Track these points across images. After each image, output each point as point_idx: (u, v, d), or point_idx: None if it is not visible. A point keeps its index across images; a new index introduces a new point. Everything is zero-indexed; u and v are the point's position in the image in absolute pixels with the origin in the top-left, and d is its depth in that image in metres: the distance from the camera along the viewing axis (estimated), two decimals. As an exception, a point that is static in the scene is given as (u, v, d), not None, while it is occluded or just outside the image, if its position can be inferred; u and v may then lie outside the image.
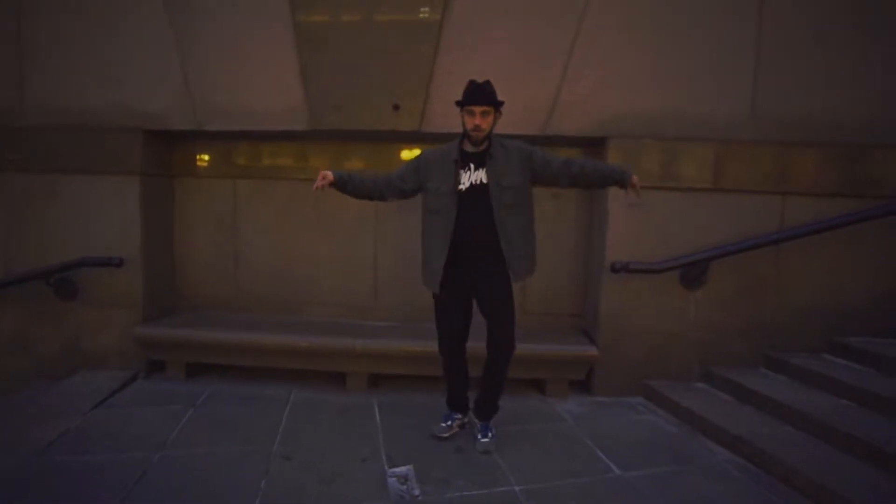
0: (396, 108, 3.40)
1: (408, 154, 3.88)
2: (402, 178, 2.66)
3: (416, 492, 2.28)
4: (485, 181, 2.50)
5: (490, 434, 2.72)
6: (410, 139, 3.75)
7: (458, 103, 2.53)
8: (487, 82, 2.50)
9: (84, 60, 3.55)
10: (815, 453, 2.52)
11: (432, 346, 3.36)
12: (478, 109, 2.46)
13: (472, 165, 2.53)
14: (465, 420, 2.90)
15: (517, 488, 2.32)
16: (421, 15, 3.38)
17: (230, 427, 2.89)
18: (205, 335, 3.51)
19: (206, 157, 3.94)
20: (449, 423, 2.84)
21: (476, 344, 2.77)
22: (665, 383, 3.43)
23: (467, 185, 2.52)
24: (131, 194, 3.56)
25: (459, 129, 3.45)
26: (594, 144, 3.58)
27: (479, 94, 2.47)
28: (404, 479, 2.39)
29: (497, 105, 2.51)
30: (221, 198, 3.95)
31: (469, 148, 2.56)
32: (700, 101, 3.44)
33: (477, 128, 2.47)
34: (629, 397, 3.47)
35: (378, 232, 3.95)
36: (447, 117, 3.43)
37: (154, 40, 3.51)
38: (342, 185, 2.61)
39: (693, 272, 3.39)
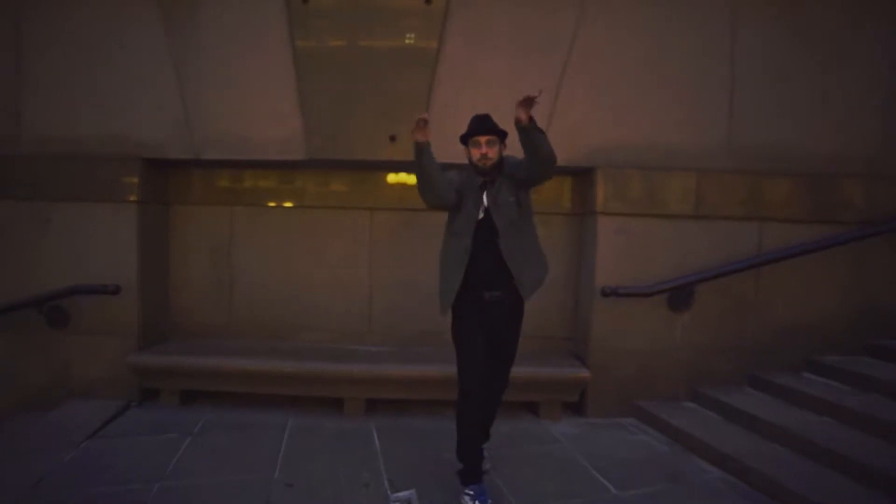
0: (393, 139, 3.52)
1: (399, 179, 3.99)
2: (450, 184, 2.55)
3: (420, 516, 2.33)
4: (483, 217, 2.52)
5: (484, 454, 2.67)
6: (406, 168, 3.87)
7: (463, 138, 2.57)
8: (488, 115, 2.57)
9: (82, 91, 3.60)
10: (798, 468, 2.64)
11: (427, 369, 3.47)
12: (483, 139, 2.50)
13: (485, 198, 2.54)
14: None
15: (518, 510, 2.38)
16: (416, 48, 3.53)
17: (229, 455, 2.89)
18: (201, 362, 3.51)
19: (203, 185, 3.99)
20: (488, 500, 2.42)
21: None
22: (655, 403, 3.54)
23: (482, 214, 2.52)
24: (128, 222, 3.59)
25: (454, 160, 3.62)
26: (583, 173, 3.74)
27: (483, 125, 2.53)
28: (407, 502, 2.42)
29: (500, 134, 2.54)
30: (217, 225, 3.99)
31: (479, 179, 2.56)
32: (680, 133, 3.64)
33: (484, 156, 2.49)
34: (621, 418, 3.56)
35: (372, 258, 4.02)
36: (442, 149, 3.55)
37: (152, 71, 3.58)
38: (427, 149, 2.42)
39: (680, 295, 3.53)
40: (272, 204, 4.04)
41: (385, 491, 2.54)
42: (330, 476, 2.68)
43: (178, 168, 3.92)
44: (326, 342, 3.96)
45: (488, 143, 2.50)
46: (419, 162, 2.40)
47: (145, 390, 3.65)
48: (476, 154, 2.51)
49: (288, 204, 4.04)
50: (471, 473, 2.45)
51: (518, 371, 3.38)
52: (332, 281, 4.01)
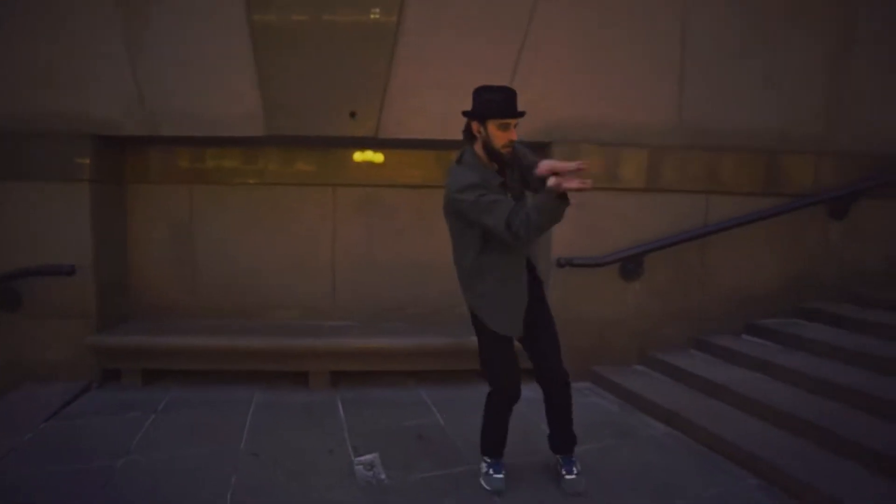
0: (353, 115, 3.53)
1: (362, 157, 4.01)
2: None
3: (383, 476, 2.44)
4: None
5: (576, 468, 2.39)
6: (366, 145, 3.89)
7: (479, 116, 2.11)
8: (515, 92, 2.14)
9: (27, 66, 3.45)
10: (733, 421, 2.87)
11: (390, 342, 3.56)
12: (513, 122, 2.10)
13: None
14: None
15: (475, 467, 2.50)
16: (375, 22, 3.51)
17: (194, 430, 2.93)
18: (163, 340, 3.50)
19: (162, 164, 3.92)
20: (502, 472, 2.39)
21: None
22: (609, 368, 3.74)
23: None
24: (81, 201, 3.49)
25: (415, 136, 3.66)
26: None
27: (513, 104, 2.11)
28: (370, 465, 2.53)
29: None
30: (177, 204, 3.93)
31: (492, 167, 2.18)
32: (634, 111, 3.77)
33: (511, 143, 2.11)
34: (577, 382, 3.66)
35: (336, 235, 4.05)
36: (402, 125, 3.62)
37: (104, 44, 3.45)
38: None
39: (630, 265, 3.71)
40: (234, 182, 4.01)
41: (349, 456, 2.64)
42: (295, 445, 2.75)
43: (135, 146, 3.83)
44: (291, 319, 4.00)
45: (515, 126, 2.11)
46: (558, 212, 1.94)
47: (106, 372, 3.61)
48: (502, 139, 2.09)
49: (250, 181, 4.02)
50: (495, 445, 2.41)
51: (474, 340, 3.52)
52: (296, 258, 4.03)
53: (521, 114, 2.12)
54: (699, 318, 3.89)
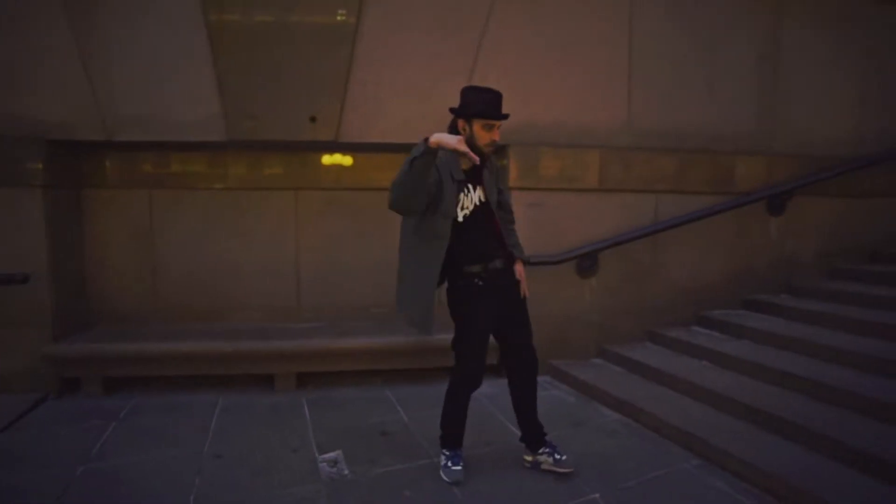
0: (313, 119, 3.58)
1: (325, 160, 4.06)
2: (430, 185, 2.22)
3: (346, 471, 2.51)
4: (483, 200, 2.37)
5: (558, 450, 2.52)
6: (328, 149, 3.94)
7: (465, 114, 2.24)
8: (501, 95, 2.29)
9: (-26, 68, 3.38)
10: (680, 406, 3.05)
11: (355, 342, 3.62)
12: (497, 123, 2.25)
13: (469, 186, 2.34)
14: None
15: (436, 460, 2.60)
16: (334, 25, 3.57)
17: (157, 435, 2.93)
18: (124, 347, 3.47)
19: (119, 169, 3.87)
20: (461, 464, 2.48)
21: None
22: (567, 362, 3.89)
23: (471, 208, 2.35)
24: (35, 207, 3.42)
25: (377, 140, 3.73)
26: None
27: (499, 107, 2.26)
28: (334, 462, 2.60)
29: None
30: (136, 209, 3.89)
31: (465, 165, 2.30)
32: (586, 114, 3.94)
33: (493, 143, 2.27)
34: (538, 377, 3.87)
35: (299, 237, 4.08)
36: (363, 129, 3.69)
37: (52, 45, 3.39)
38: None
39: (586, 262, 3.88)
40: (195, 186, 3.99)
41: (313, 454, 2.69)
42: (260, 445, 2.79)
43: (91, 151, 3.77)
44: (257, 322, 4.01)
45: (498, 128, 2.28)
46: (424, 163, 2.07)
47: (64, 382, 3.54)
48: (486, 138, 2.24)
49: (211, 186, 4.00)
50: (453, 437, 2.51)
51: (439, 339, 3.62)
52: (260, 261, 4.04)
53: (506, 116, 2.27)
54: (652, 311, 4.09)
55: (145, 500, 2.29)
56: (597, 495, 2.32)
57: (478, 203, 2.36)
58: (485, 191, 2.38)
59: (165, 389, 3.58)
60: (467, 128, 2.25)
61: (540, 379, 3.77)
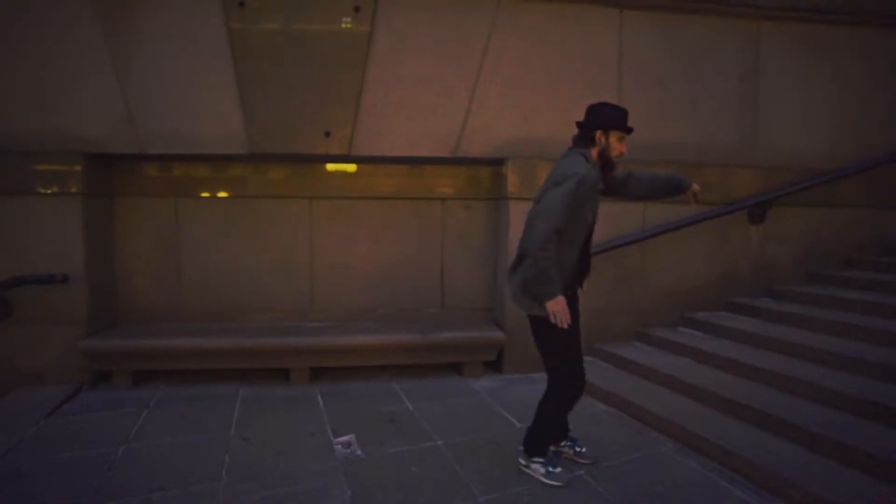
0: (328, 135, 3.91)
1: (336, 171, 4.38)
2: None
3: (359, 452, 2.81)
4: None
5: (580, 445, 2.75)
6: (340, 161, 4.27)
7: (606, 126, 2.44)
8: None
9: (20, 87, 3.71)
10: (661, 399, 3.34)
11: (364, 339, 3.93)
12: (626, 136, 2.48)
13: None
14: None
15: (440, 443, 2.91)
16: (347, 49, 3.90)
17: (186, 421, 3.23)
18: (152, 343, 3.78)
19: (149, 178, 4.20)
20: (559, 466, 2.60)
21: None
22: (561, 359, 4.18)
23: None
24: (73, 213, 3.76)
25: (385, 153, 4.07)
26: (496, 164, 4.29)
27: (627, 121, 2.47)
28: (348, 444, 2.90)
29: None
30: (163, 216, 4.22)
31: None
32: (572, 130, 4.23)
33: (621, 155, 2.50)
34: (533, 373, 4.14)
35: (312, 243, 4.40)
36: (373, 143, 4.02)
37: (92, 68, 3.74)
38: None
39: (578, 267, 4.18)
40: (217, 195, 4.31)
41: (329, 438, 3.00)
42: (280, 430, 3.10)
43: (124, 162, 4.10)
44: (275, 321, 4.32)
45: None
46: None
47: (96, 375, 3.86)
48: (618, 149, 2.48)
49: (232, 194, 4.33)
50: (546, 445, 2.62)
51: (446, 336, 3.95)
52: (276, 265, 4.35)
53: (632, 130, 2.51)
54: (641, 313, 4.39)
55: (183, 473, 2.60)
56: (581, 472, 2.62)
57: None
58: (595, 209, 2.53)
59: (189, 382, 3.89)
60: (604, 139, 2.44)
61: (535, 376, 4.13)
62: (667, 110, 4.37)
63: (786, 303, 4.23)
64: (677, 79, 4.37)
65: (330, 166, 4.38)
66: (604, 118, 2.46)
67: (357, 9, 3.87)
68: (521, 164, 4.12)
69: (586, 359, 4.26)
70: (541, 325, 2.47)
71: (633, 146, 4.36)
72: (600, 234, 4.18)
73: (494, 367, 4.24)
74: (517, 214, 4.14)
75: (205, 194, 4.28)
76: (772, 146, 4.58)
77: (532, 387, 3.90)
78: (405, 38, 3.97)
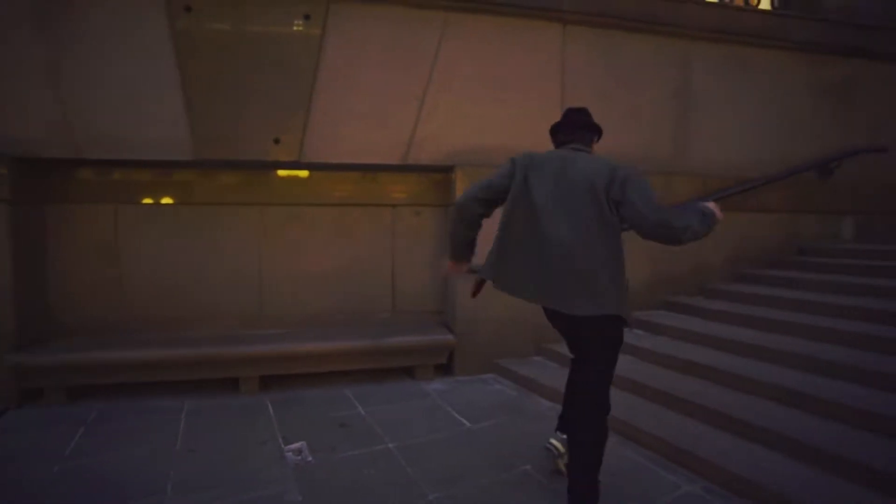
0: (277, 141, 3.89)
1: (287, 178, 4.36)
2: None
3: (310, 458, 2.81)
4: None
5: None
6: (291, 168, 4.25)
7: (600, 132, 2.63)
8: (580, 110, 2.65)
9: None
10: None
11: (316, 346, 3.91)
12: None
13: None
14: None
15: (391, 445, 2.95)
16: (298, 53, 3.90)
17: (129, 436, 3.11)
18: (87, 356, 3.61)
19: (86, 184, 4.02)
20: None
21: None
22: (510, 360, 4.32)
23: None
24: None
25: (336, 160, 4.08)
26: (445, 171, 4.39)
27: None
28: (299, 451, 2.89)
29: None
30: (102, 224, 4.05)
31: None
32: (526, 138, 4.38)
33: None
34: (483, 374, 4.30)
35: (262, 250, 4.34)
36: (323, 151, 4.03)
37: (24, 65, 3.55)
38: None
39: (525, 270, 4.33)
40: (161, 201, 4.19)
41: (279, 446, 2.97)
42: (230, 440, 3.04)
43: (59, 167, 3.91)
44: (221, 330, 4.22)
45: None
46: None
47: (25, 391, 3.63)
48: None
49: (177, 201, 4.20)
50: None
51: (395, 341, 3.98)
52: (225, 273, 4.26)
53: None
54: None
55: (124, 490, 2.51)
56: (528, 467, 2.73)
57: None
58: None
59: (131, 396, 3.74)
60: (597, 141, 2.62)
61: (485, 376, 4.25)
62: (608, 122, 4.49)
63: (718, 301, 4.53)
64: (619, 92, 4.62)
65: (281, 172, 4.36)
66: (596, 125, 2.57)
67: (307, 16, 3.89)
68: (470, 172, 4.23)
69: (535, 358, 4.46)
70: (615, 328, 2.28)
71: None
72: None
73: (446, 369, 4.31)
74: (467, 220, 4.26)
75: (148, 201, 4.15)
76: (705, 157, 4.92)
77: (482, 387, 4.02)
78: (356, 45, 4.01)
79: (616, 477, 2.59)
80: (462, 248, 2.57)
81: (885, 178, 5.41)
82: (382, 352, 3.96)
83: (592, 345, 2.32)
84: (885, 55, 5.54)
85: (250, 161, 3.98)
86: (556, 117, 4.48)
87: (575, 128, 2.52)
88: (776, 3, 5.78)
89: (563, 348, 4.29)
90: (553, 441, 2.66)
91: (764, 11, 5.47)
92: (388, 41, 4.09)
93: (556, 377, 3.83)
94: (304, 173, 4.38)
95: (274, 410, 3.52)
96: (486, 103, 4.31)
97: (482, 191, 2.40)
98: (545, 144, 4.55)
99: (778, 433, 2.67)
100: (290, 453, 2.87)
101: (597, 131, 2.58)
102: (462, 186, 4.21)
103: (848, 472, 2.38)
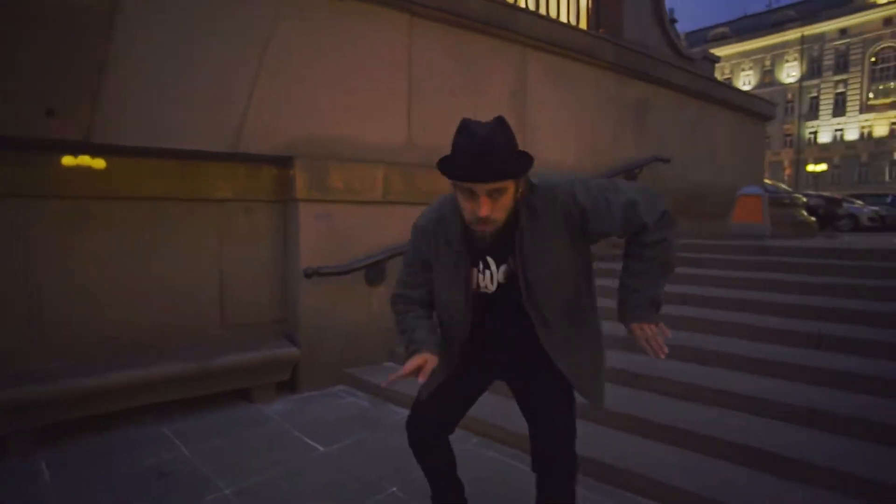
0: (50, 113, 2.96)
1: (70, 161, 3.37)
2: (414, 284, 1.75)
3: (114, 528, 2.17)
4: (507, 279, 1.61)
5: None
6: (77, 150, 3.30)
7: (442, 169, 1.45)
8: (496, 129, 1.43)
9: None
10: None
11: (118, 376, 3.11)
12: (485, 188, 1.39)
13: (489, 260, 1.61)
14: None
15: (227, 491, 2.44)
16: (86, 16, 3.03)
17: None
18: None
19: None
20: None
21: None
22: (362, 368, 4.03)
23: (493, 287, 1.63)
24: None
25: (137, 144, 3.29)
26: (282, 163, 3.90)
27: (486, 163, 1.37)
28: None
29: (520, 172, 1.45)
30: None
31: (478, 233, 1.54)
32: (372, 132, 4.16)
33: (481, 221, 1.42)
34: (333, 386, 3.94)
35: (42, 256, 3.32)
36: (124, 131, 3.23)
37: None
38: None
39: (374, 271, 4.08)
40: None
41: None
42: None
43: None
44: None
45: (492, 193, 1.42)
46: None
47: None
48: (468, 211, 1.50)
49: None
50: None
51: (225, 360, 3.40)
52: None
53: (499, 178, 1.38)
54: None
55: None
56: (395, 488, 2.50)
57: (501, 282, 1.62)
58: (516, 262, 1.58)
59: None
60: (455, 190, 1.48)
61: (336, 389, 3.91)
62: (453, 118, 4.52)
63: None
64: (463, 90, 4.65)
65: (68, 160, 3.34)
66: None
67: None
68: (311, 165, 3.83)
69: (386, 364, 4.24)
70: None
71: (423, 151, 4.50)
72: (394, 237, 4.19)
73: (289, 386, 3.84)
74: (307, 218, 3.85)
75: None
76: (538, 155, 5.21)
77: (331, 402, 3.68)
78: (168, 10, 3.28)
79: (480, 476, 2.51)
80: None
81: (665, 184, 6.44)
82: (210, 375, 3.32)
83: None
84: (668, 84, 6.65)
85: (12, 137, 2.97)
86: (403, 112, 4.40)
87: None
88: (591, 24, 6.50)
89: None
90: None
91: (584, 31, 6.09)
92: (215, 10, 3.42)
93: (412, 383, 3.59)
94: (101, 162, 3.44)
95: (52, 476, 2.66)
96: (331, 91, 3.92)
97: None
98: (391, 137, 4.40)
99: (625, 414, 2.87)
100: (84, 526, 2.19)
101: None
102: (303, 180, 3.79)
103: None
